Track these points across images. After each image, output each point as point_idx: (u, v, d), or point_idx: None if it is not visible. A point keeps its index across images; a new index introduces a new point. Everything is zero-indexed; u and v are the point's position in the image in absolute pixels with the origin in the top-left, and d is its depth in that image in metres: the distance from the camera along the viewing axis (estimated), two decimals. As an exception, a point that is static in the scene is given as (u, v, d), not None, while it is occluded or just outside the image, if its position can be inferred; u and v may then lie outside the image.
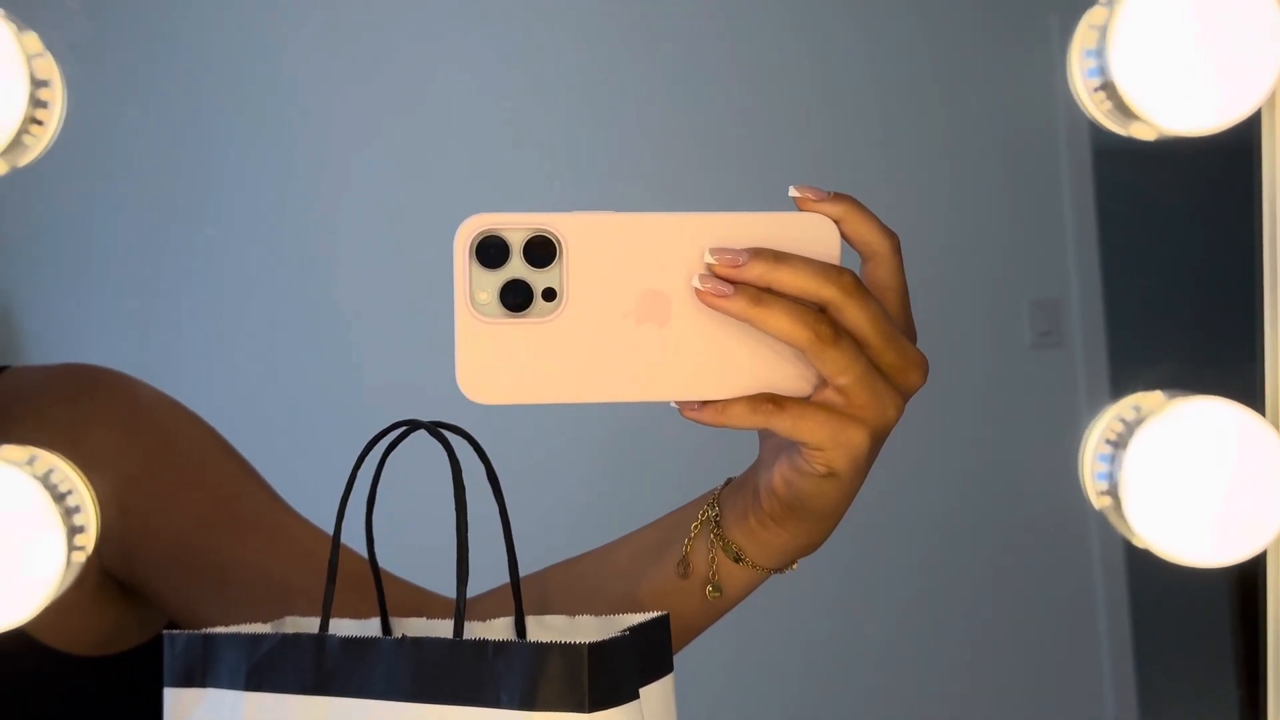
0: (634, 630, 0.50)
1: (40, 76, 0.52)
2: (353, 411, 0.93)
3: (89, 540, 0.54)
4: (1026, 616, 1.07)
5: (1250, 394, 0.60)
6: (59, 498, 0.52)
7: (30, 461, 0.53)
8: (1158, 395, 0.61)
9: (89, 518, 0.54)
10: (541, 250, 0.49)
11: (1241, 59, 0.54)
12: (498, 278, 0.49)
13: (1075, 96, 0.59)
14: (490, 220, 0.49)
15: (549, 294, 0.49)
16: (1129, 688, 1.05)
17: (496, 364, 0.49)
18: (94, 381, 0.69)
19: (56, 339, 0.91)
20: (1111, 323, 1.05)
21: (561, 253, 0.49)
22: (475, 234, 0.49)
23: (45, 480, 0.52)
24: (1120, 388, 1.03)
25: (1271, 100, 0.57)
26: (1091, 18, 0.57)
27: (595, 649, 0.47)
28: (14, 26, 0.52)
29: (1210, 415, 0.58)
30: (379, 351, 0.94)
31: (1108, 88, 0.56)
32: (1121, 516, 0.59)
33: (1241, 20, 0.54)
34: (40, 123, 0.53)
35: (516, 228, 0.49)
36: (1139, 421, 0.59)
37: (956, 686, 1.06)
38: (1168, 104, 0.55)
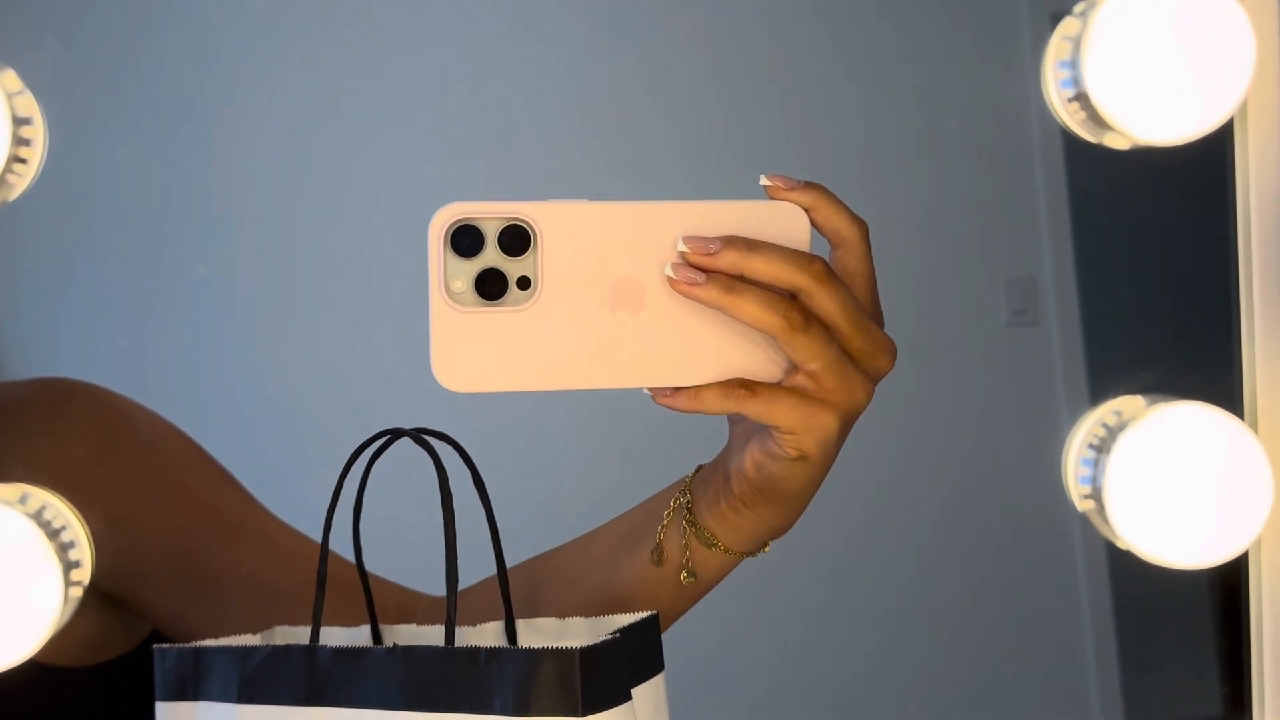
0: (624, 631, 0.51)
1: (21, 114, 0.52)
2: (341, 411, 0.93)
3: (85, 575, 0.54)
4: (1007, 602, 1.07)
5: (1229, 398, 0.61)
6: (53, 534, 0.53)
7: (23, 500, 0.53)
8: (1138, 400, 0.62)
9: (84, 552, 0.54)
10: (516, 239, 0.49)
11: (1213, 69, 0.55)
12: (472, 266, 0.49)
13: (1050, 107, 0.60)
14: (465, 209, 0.49)
15: (524, 282, 0.49)
16: (1113, 681, 1.06)
17: (471, 353, 0.49)
18: (70, 395, 0.69)
19: (36, 352, 0.91)
20: (1086, 301, 1.06)
21: (536, 241, 0.49)
22: (449, 223, 0.49)
23: (39, 518, 0.53)
24: (1095, 366, 1.04)
25: (1243, 110, 0.58)
26: (1065, 29, 0.58)
27: (587, 653, 0.47)
28: None
29: (1190, 420, 0.58)
30: (367, 350, 0.95)
31: (1081, 98, 0.57)
32: (1105, 520, 0.59)
33: (1213, 31, 0.55)
34: (24, 160, 0.53)
35: (491, 216, 0.49)
36: (1121, 427, 0.59)
37: (938, 683, 1.06)
38: (1141, 115, 0.55)
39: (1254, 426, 0.61)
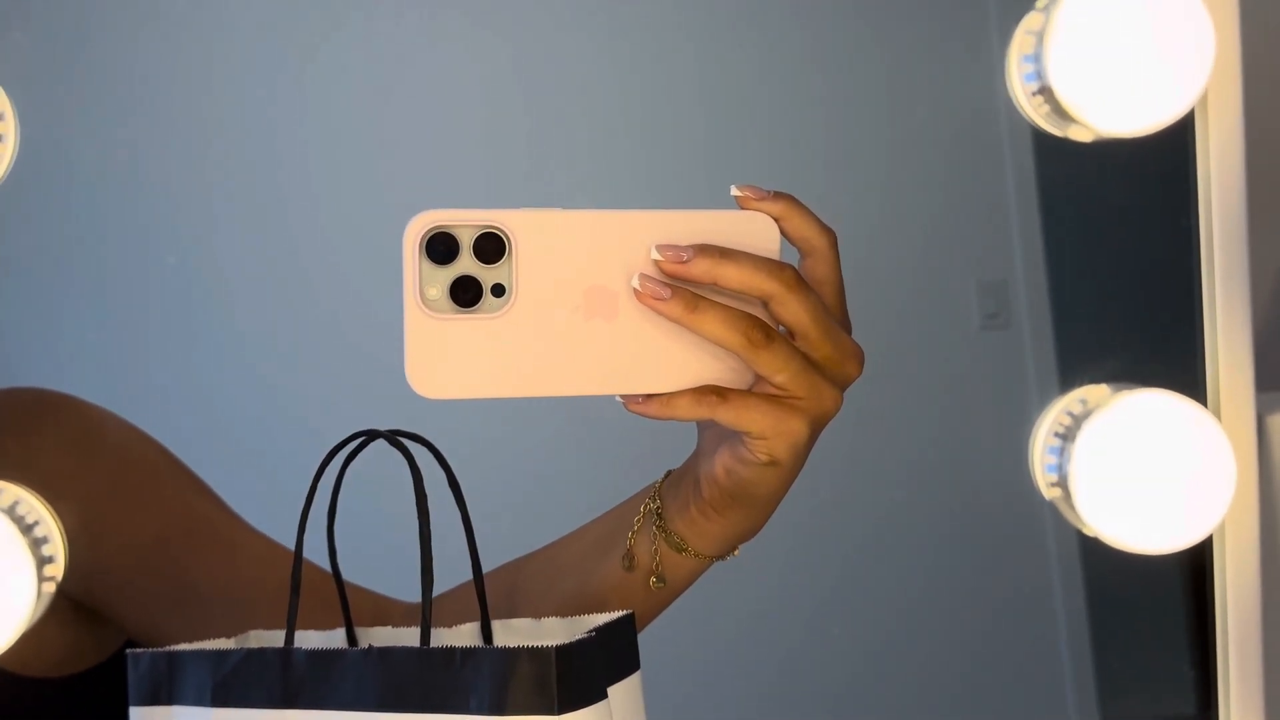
0: (600, 630, 0.51)
1: None
2: (316, 415, 0.93)
3: (58, 570, 0.54)
4: (981, 601, 1.08)
5: (1193, 385, 0.62)
6: (26, 529, 0.52)
7: None
8: (1103, 389, 0.62)
9: (57, 548, 0.54)
10: (491, 246, 0.50)
11: (1174, 62, 0.56)
12: (447, 274, 0.49)
13: (1014, 100, 0.60)
14: (440, 216, 0.50)
15: (498, 290, 0.50)
16: (1087, 671, 1.07)
17: (446, 359, 0.50)
18: (43, 405, 0.69)
19: (3, 354, 0.90)
20: (1057, 304, 1.08)
21: (511, 249, 0.50)
22: (425, 230, 0.49)
23: (11, 512, 0.52)
24: (1068, 368, 1.06)
25: (1203, 101, 0.59)
26: (1028, 23, 0.59)
27: (563, 651, 0.47)
28: None
29: (1154, 407, 0.59)
30: (343, 356, 0.94)
31: (1045, 92, 0.57)
32: (1071, 507, 0.60)
33: (1173, 25, 0.56)
34: None
35: (466, 224, 0.50)
36: (1086, 415, 0.60)
37: (911, 678, 1.07)
38: (1104, 107, 0.56)
39: (1217, 413, 0.62)
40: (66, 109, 0.85)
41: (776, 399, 0.51)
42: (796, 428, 0.51)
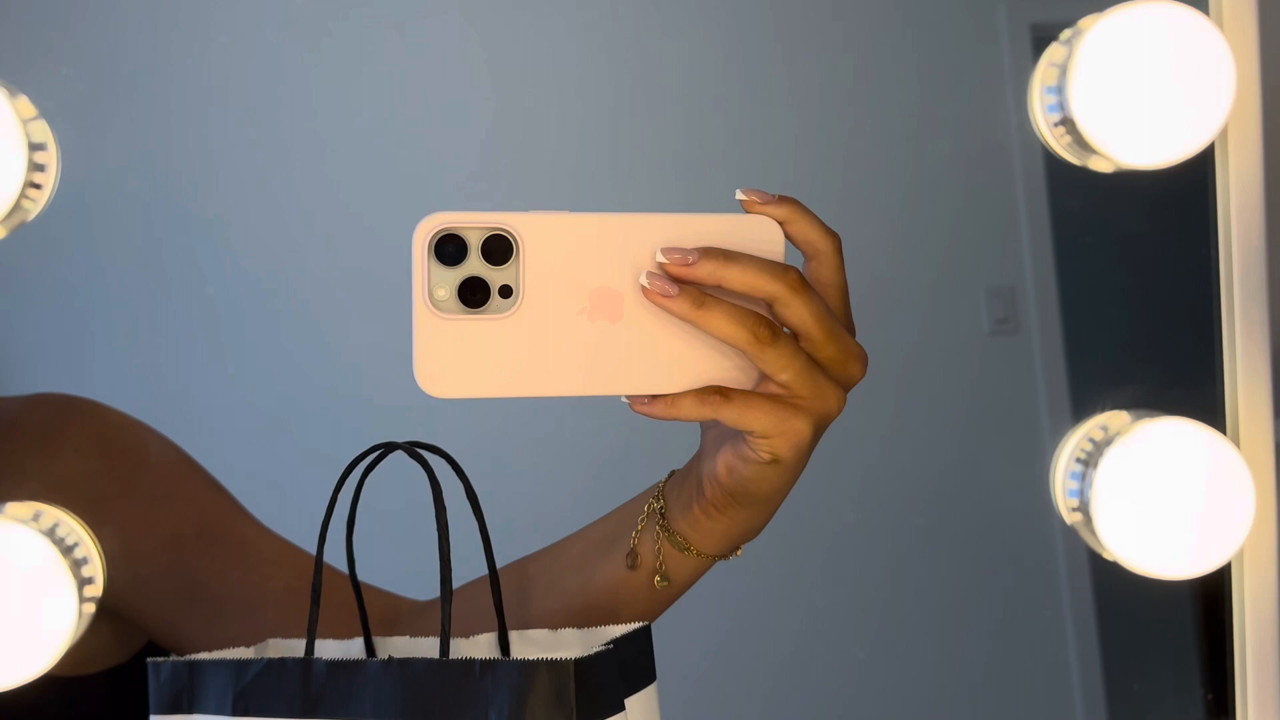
0: (617, 642, 0.52)
1: (36, 140, 0.53)
2: (333, 419, 0.94)
3: (97, 590, 0.55)
4: (989, 606, 1.08)
5: (1211, 412, 0.62)
6: (67, 551, 0.53)
7: (36, 518, 0.54)
8: (1124, 416, 0.63)
9: (96, 568, 0.55)
10: (499, 248, 0.50)
11: (1195, 96, 0.56)
12: (456, 275, 0.50)
13: (1036, 130, 0.61)
14: (448, 219, 0.50)
15: (506, 291, 0.50)
16: (1097, 691, 1.07)
17: (454, 359, 0.50)
18: (65, 409, 0.70)
19: (37, 365, 0.92)
20: (1067, 310, 1.08)
21: (518, 251, 0.50)
22: (433, 232, 0.50)
23: (53, 535, 0.53)
24: (1077, 374, 1.05)
25: (1223, 135, 0.59)
26: (1052, 56, 0.59)
27: (581, 664, 0.48)
28: (7, 93, 0.53)
29: (1174, 435, 0.60)
30: (359, 359, 0.96)
31: (1067, 123, 0.58)
32: (1092, 532, 0.61)
33: (1194, 59, 0.56)
34: (38, 186, 0.54)
35: (474, 226, 0.50)
36: (1108, 441, 0.60)
37: (923, 693, 1.07)
38: (1125, 140, 0.57)
39: (1235, 441, 0.62)
40: (108, 142, 0.88)
41: (780, 398, 0.51)
42: (799, 427, 0.51)
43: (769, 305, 0.51)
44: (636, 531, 0.59)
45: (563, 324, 0.51)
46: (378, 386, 0.91)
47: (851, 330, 0.54)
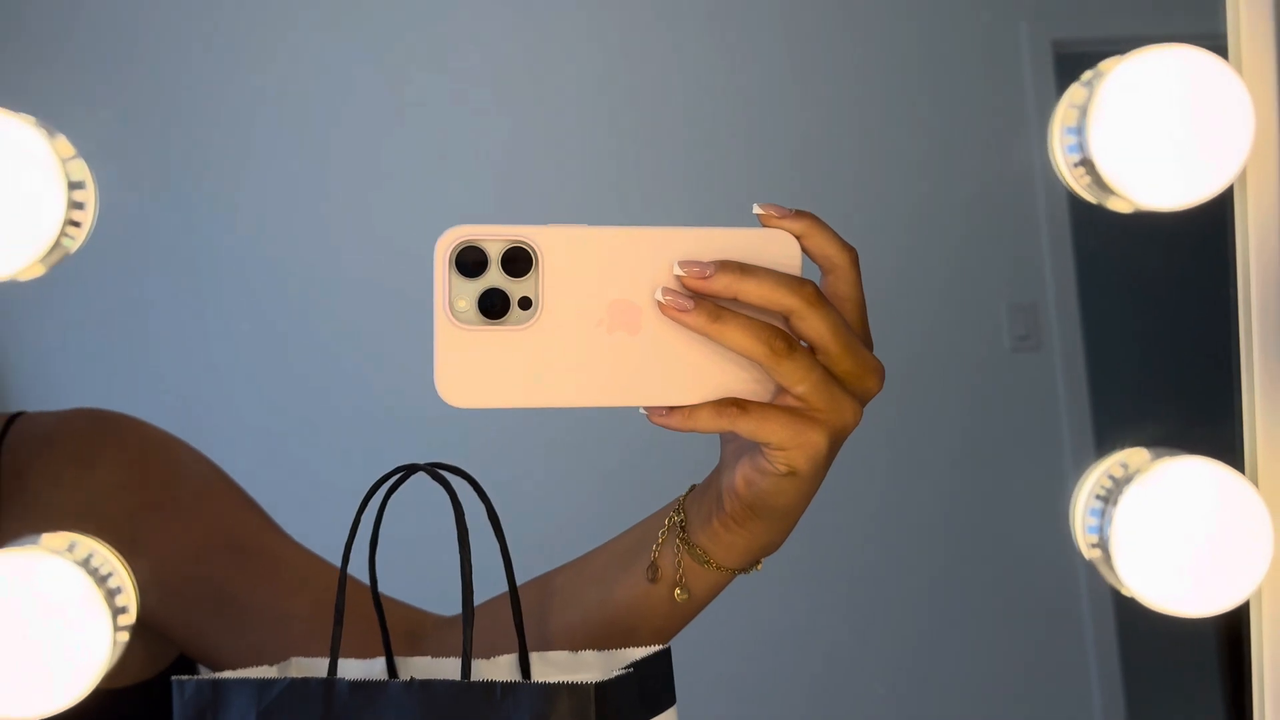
0: (637, 665, 0.52)
1: (75, 179, 0.54)
2: (358, 435, 0.95)
3: (130, 619, 0.56)
4: (1014, 626, 1.08)
5: (1230, 450, 0.63)
6: (101, 580, 0.54)
7: (71, 548, 0.55)
8: (1144, 453, 0.63)
9: (129, 597, 0.56)
10: (519, 261, 0.51)
11: (1214, 138, 0.57)
12: (476, 286, 0.51)
13: (1055, 170, 0.61)
14: (469, 231, 0.51)
15: (525, 303, 0.51)
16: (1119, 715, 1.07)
17: (474, 370, 0.51)
18: (100, 423, 0.72)
19: (72, 384, 0.94)
20: (1088, 327, 1.08)
21: (537, 263, 0.51)
22: (454, 244, 0.51)
23: (87, 565, 0.54)
24: (1098, 390, 1.06)
25: (1242, 177, 0.60)
26: (1072, 97, 0.60)
27: (601, 688, 0.48)
28: (45, 134, 0.54)
29: (1194, 474, 0.60)
30: (387, 375, 0.97)
31: (1086, 164, 0.58)
32: (1111, 568, 0.61)
33: (1213, 102, 0.57)
34: (77, 224, 0.55)
35: (495, 239, 0.51)
36: (1127, 479, 0.61)
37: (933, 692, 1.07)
38: (1144, 181, 0.57)
39: (1254, 480, 0.63)
40: (145, 181, 0.89)
41: (796, 411, 0.52)
42: (816, 439, 0.52)
43: (786, 319, 0.52)
44: (657, 545, 0.60)
45: (581, 336, 0.51)
46: (399, 397, 0.92)
47: (869, 344, 0.54)
